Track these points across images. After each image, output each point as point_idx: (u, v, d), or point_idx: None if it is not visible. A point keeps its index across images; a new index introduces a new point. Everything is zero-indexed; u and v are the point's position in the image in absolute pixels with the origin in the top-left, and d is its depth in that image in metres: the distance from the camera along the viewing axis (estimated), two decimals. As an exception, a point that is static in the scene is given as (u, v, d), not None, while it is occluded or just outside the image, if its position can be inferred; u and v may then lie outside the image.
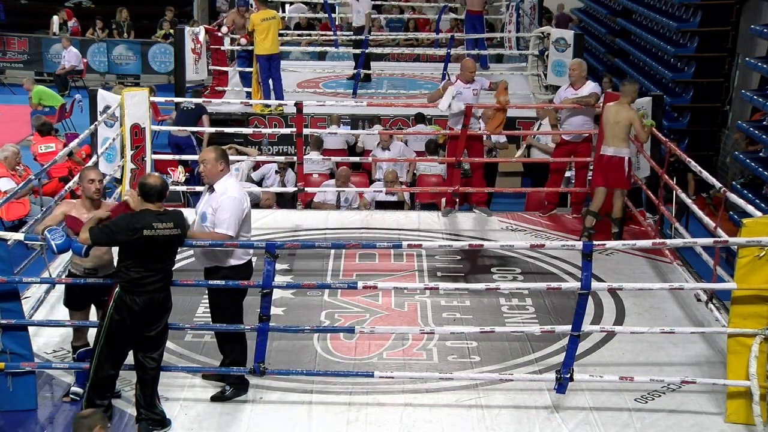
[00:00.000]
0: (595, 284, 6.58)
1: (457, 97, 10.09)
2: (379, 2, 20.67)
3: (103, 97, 10.34)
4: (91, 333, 6.55)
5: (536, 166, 12.42)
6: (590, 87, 10.30)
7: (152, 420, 6.20)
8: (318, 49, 19.72)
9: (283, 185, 11.86)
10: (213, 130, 12.34)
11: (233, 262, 6.60)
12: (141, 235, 5.91)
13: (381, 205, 11.58)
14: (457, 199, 10.58)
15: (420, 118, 13.61)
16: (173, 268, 6.34)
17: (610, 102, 9.65)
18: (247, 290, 6.78)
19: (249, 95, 14.55)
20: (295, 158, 10.82)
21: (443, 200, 10.93)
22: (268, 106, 13.93)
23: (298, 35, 19.82)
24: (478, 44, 17.54)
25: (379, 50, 17.56)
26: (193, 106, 13.29)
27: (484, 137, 11.14)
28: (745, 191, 11.59)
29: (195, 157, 12.69)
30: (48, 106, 17.01)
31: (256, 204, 11.89)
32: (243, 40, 14.64)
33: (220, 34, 15.53)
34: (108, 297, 6.13)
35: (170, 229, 6.02)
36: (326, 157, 12.36)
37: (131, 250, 6.00)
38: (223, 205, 6.45)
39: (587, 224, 9.70)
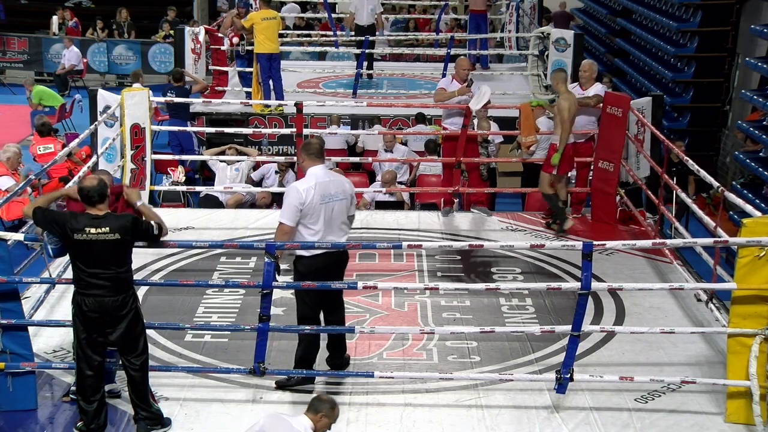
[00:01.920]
0: (595, 284, 6.57)
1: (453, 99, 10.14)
2: (385, 2, 20.68)
3: (103, 97, 10.34)
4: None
5: (533, 165, 12.40)
6: (596, 89, 10.30)
7: (150, 419, 6.19)
8: (318, 49, 19.74)
9: (282, 185, 11.86)
10: (213, 130, 12.36)
11: (300, 252, 6.72)
12: (71, 237, 5.86)
13: (380, 206, 11.58)
14: (457, 200, 10.57)
15: (420, 118, 13.61)
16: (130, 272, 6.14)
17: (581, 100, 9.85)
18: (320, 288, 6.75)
19: (248, 95, 14.55)
20: (295, 158, 10.82)
21: (442, 200, 10.92)
22: (268, 106, 13.93)
23: (298, 35, 19.84)
24: (481, 44, 17.55)
25: (379, 50, 17.56)
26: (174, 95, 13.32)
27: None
28: (745, 191, 11.59)
29: (196, 157, 12.76)
30: (48, 106, 17.01)
31: (253, 203, 11.93)
32: (235, 39, 14.59)
33: (220, 35, 15.52)
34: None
35: (105, 234, 5.86)
36: (326, 158, 12.33)
37: (69, 250, 5.99)
38: (285, 195, 6.80)
39: (564, 220, 9.94)
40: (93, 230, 5.86)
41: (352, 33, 17.08)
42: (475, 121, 11.16)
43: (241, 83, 15.29)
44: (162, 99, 11.85)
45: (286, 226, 6.66)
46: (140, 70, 17.27)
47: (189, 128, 12.67)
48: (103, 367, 6.22)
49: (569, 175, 11.31)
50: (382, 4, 18.05)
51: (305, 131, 10.97)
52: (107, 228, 5.89)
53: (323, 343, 7.02)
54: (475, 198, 10.64)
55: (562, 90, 9.65)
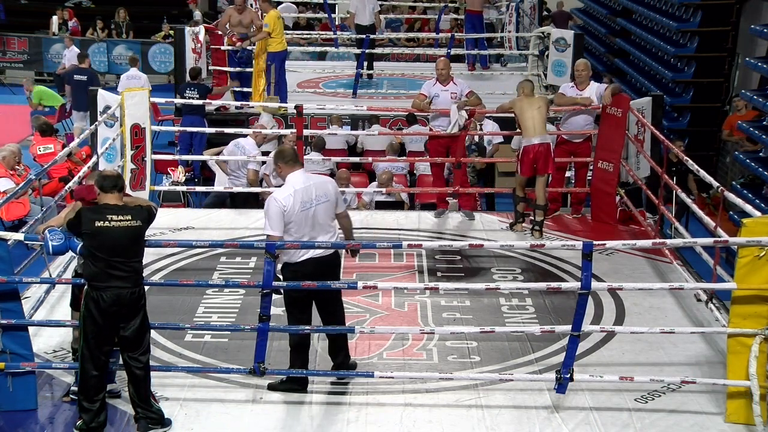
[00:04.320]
0: (595, 284, 6.57)
1: (435, 101, 10.13)
2: (383, 2, 20.68)
3: (103, 97, 10.33)
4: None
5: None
6: (593, 88, 10.28)
7: (150, 418, 6.19)
8: (318, 49, 19.72)
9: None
10: (213, 130, 12.34)
11: (285, 259, 6.62)
12: (93, 226, 5.95)
13: (379, 206, 11.58)
14: (456, 200, 10.57)
15: (411, 119, 13.60)
16: (143, 266, 6.26)
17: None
18: (309, 290, 6.67)
19: (241, 95, 14.51)
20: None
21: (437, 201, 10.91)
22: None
23: (298, 35, 19.83)
24: (478, 44, 17.55)
25: (379, 50, 17.56)
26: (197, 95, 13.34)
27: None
28: (745, 191, 11.60)
29: (196, 157, 12.75)
30: (48, 106, 17.02)
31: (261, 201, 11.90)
32: (239, 43, 14.60)
33: (219, 32, 15.51)
34: (81, 295, 6.16)
35: (128, 221, 6.00)
36: (326, 158, 12.36)
37: (89, 243, 6.02)
38: (265, 207, 6.60)
39: (521, 210, 9.97)
40: (115, 217, 5.99)
41: (354, 32, 17.10)
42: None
43: (230, 82, 15.18)
44: (162, 99, 11.84)
45: (275, 236, 6.52)
46: (137, 55, 17.28)
47: (189, 128, 12.64)
48: (107, 367, 6.24)
49: (568, 175, 11.36)
50: (380, 4, 18.07)
51: (305, 132, 10.97)
52: (129, 215, 6.03)
53: (324, 352, 7.02)
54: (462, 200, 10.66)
55: (530, 93, 9.81)
